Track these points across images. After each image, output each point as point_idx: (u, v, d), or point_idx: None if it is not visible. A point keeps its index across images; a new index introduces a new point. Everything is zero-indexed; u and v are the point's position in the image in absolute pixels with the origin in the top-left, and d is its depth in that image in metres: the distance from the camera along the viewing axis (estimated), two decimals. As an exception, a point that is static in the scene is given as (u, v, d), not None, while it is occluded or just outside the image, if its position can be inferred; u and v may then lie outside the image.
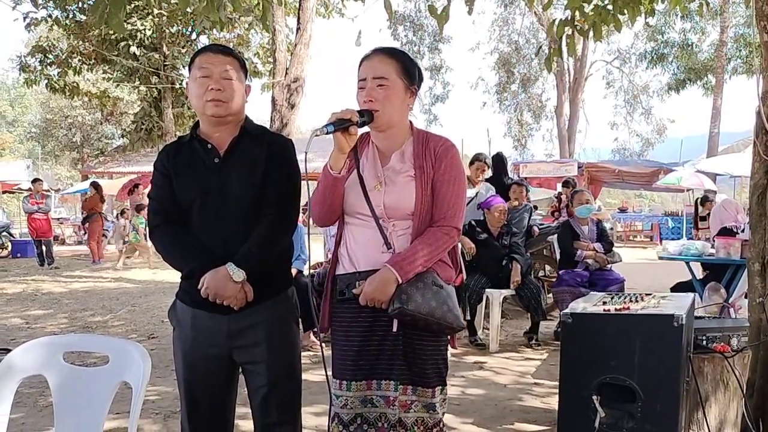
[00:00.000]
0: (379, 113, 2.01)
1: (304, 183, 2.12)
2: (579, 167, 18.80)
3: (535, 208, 15.10)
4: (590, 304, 2.69)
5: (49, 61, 17.44)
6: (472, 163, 6.37)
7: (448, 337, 2.16)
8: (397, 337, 2.03)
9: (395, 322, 2.01)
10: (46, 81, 17.42)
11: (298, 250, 4.86)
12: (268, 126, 9.99)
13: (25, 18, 14.13)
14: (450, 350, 5.37)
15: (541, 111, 32.00)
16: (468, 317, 5.43)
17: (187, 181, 2.11)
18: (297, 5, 10.37)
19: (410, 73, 2.08)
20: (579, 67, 27.31)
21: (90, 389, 1.70)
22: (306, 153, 1.91)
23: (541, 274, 7.34)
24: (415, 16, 28.38)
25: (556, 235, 6.26)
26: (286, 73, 9.85)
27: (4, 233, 15.53)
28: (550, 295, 6.34)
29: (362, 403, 2.05)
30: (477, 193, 5.97)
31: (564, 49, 4.91)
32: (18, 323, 6.78)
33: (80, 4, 13.92)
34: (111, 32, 15.58)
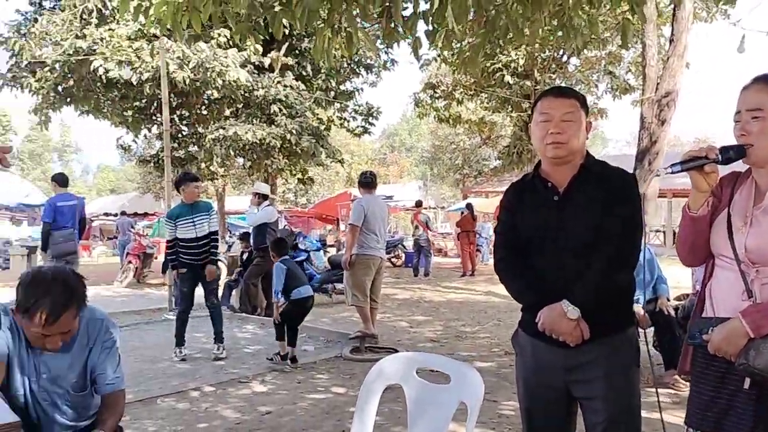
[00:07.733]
0: (753, 148, 1.84)
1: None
2: None
3: None
4: None
5: (437, 95, 19.97)
6: None
7: None
8: (750, 395, 1.82)
9: (747, 379, 1.81)
10: (434, 113, 20.04)
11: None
12: (635, 143, 9.57)
13: (418, 60, 16.50)
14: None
15: None
16: None
17: (528, 217, 2.24)
18: (671, 15, 9.72)
19: None
20: None
21: (435, 403, 1.96)
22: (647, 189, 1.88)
23: None
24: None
25: None
26: (657, 89, 9.31)
27: (400, 245, 18.40)
28: None
29: None
30: None
31: None
32: (404, 326, 7.85)
33: (463, 43, 15.54)
34: (489, 65, 17.00)
